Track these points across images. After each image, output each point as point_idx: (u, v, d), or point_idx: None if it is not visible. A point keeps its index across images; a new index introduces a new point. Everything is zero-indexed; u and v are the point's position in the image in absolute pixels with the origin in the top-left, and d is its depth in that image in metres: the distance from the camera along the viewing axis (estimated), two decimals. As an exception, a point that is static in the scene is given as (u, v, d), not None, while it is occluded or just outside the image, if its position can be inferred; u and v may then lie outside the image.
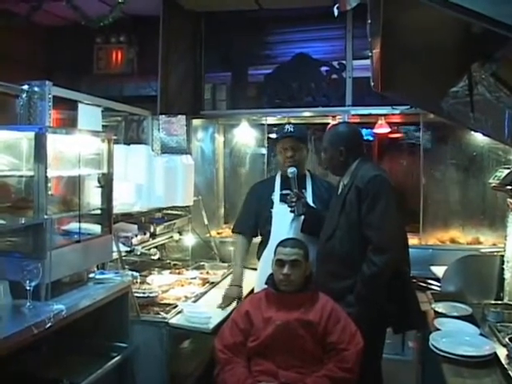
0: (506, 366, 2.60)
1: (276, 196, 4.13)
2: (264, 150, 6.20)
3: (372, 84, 3.70)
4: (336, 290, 3.41)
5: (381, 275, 3.28)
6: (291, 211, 3.87)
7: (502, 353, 2.74)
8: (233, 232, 4.44)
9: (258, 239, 4.29)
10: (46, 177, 3.05)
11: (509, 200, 3.65)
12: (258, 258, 4.17)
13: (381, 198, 3.33)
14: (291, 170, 3.93)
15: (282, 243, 3.41)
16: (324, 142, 3.74)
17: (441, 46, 2.83)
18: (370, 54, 3.22)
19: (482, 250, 4.49)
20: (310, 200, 4.02)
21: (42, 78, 3.72)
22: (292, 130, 4.09)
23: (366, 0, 2.59)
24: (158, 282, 4.46)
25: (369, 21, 2.62)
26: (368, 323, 3.27)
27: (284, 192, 4.07)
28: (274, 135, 5.52)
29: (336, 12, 3.01)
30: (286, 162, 4.08)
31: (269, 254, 3.74)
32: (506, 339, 2.84)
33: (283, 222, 3.98)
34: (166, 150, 5.30)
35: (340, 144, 3.60)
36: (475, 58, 2.97)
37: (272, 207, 4.09)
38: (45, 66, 6.61)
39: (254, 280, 4.22)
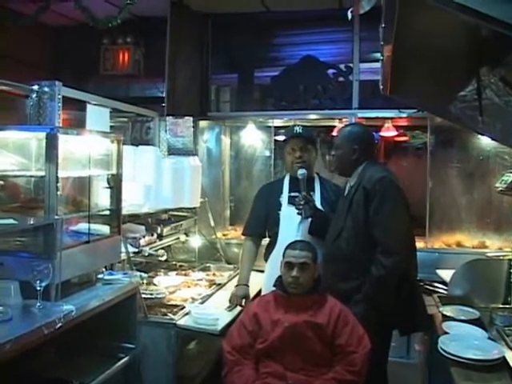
0: (515, 370, 2.61)
1: (284, 198, 4.12)
2: (270, 152, 6.20)
3: (381, 87, 3.70)
4: (343, 291, 3.42)
5: (389, 277, 3.29)
6: (298, 213, 3.87)
7: (510, 357, 2.74)
8: (243, 235, 4.42)
9: (265, 241, 4.30)
10: (57, 177, 3.05)
11: (517, 204, 3.66)
12: (266, 260, 4.18)
13: (388, 199, 3.34)
14: (301, 172, 3.93)
15: (290, 245, 3.40)
16: (338, 139, 3.73)
17: (450, 50, 2.83)
18: (381, 58, 3.22)
19: (489, 254, 4.48)
20: (318, 202, 4.02)
21: (48, 79, 3.73)
22: (301, 131, 4.10)
23: (379, 3, 2.59)
24: (165, 283, 4.47)
25: (382, 24, 2.62)
26: (374, 325, 3.27)
27: (292, 194, 4.07)
28: (282, 137, 5.44)
29: (350, 16, 3.02)
30: (294, 162, 4.08)
31: (276, 256, 3.75)
32: (515, 343, 2.86)
33: (291, 224, 3.98)
34: (172, 151, 5.30)
35: (355, 142, 3.60)
36: (484, 63, 2.98)
37: (280, 209, 4.10)
38: (50, 67, 6.61)
39: (261, 282, 4.22)
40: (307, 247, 3.37)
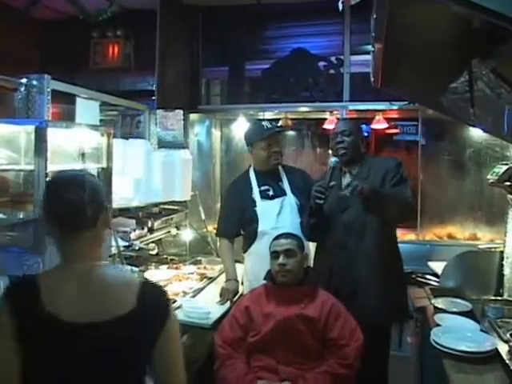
0: (507, 361, 2.61)
1: (256, 194, 4.10)
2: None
3: (372, 79, 3.69)
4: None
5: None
6: (318, 200, 3.55)
7: (503, 348, 2.75)
8: (217, 236, 4.40)
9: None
10: (47, 171, 3.02)
11: (509, 196, 3.65)
12: (244, 251, 4.18)
13: (406, 181, 3.57)
14: (334, 160, 3.79)
15: (275, 238, 3.47)
16: (347, 126, 3.77)
17: (442, 42, 2.82)
18: (372, 50, 3.21)
19: (481, 246, 4.49)
20: (288, 190, 4.08)
21: (37, 73, 3.69)
22: (270, 125, 4.17)
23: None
24: (156, 277, 4.42)
25: (374, 16, 2.61)
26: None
27: (263, 188, 4.10)
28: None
29: (341, 7, 3.01)
30: (272, 156, 4.09)
31: (256, 251, 3.89)
32: (508, 335, 2.85)
33: (269, 217, 4.00)
34: (162, 144, 5.28)
35: (362, 132, 3.83)
36: (475, 54, 2.97)
37: (255, 206, 4.07)
38: (40, 60, 6.56)
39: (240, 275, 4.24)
40: (291, 236, 3.44)
